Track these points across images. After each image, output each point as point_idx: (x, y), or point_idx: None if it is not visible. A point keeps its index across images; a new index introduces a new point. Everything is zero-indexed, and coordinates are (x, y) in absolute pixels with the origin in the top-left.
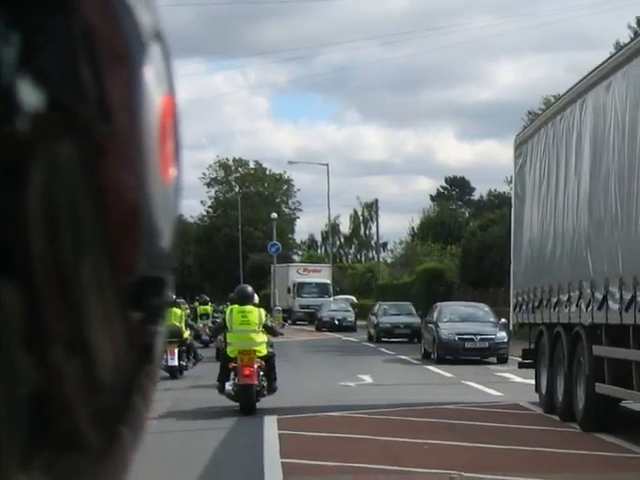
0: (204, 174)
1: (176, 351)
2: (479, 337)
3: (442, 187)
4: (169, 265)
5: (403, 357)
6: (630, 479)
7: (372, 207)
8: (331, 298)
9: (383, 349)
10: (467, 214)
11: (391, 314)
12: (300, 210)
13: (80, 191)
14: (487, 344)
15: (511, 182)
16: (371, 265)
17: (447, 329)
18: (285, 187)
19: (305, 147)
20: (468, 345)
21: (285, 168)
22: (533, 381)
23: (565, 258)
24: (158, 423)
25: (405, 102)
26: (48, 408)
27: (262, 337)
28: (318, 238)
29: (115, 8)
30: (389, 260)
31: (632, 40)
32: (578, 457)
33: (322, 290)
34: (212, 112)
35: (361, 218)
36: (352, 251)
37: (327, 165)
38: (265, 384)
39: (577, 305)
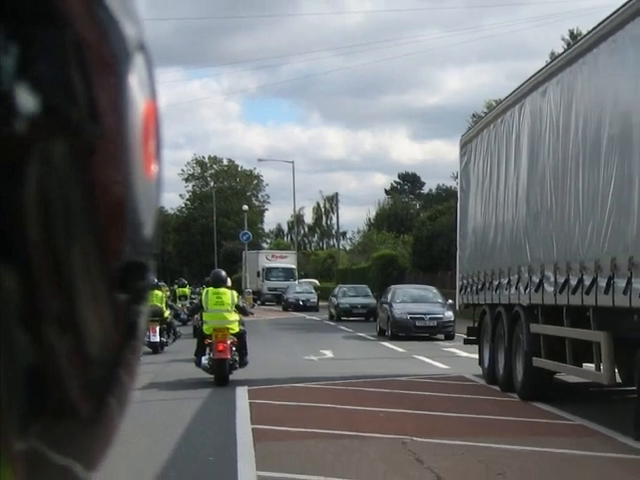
0: (182, 170)
1: (157, 329)
2: (428, 316)
3: (395, 182)
4: (151, 251)
5: (360, 334)
6: (562, 442)
7: (333, 200)
8: (296, 281)
9: (342, 327)
10: (418, 206)
11: (350, 296)
12: (268, 203)
13: (72, 185)
14: (436, 323)
15: (457, 177)
16: (332, 252)
17: (400, 309)
18: (255, 182)
19: (273, 146)
20: (419, 323)
21: (255, 165)
22: (477, 355)
23: (505, 246)
24: (141, 393)
25: (362, 106)
26: (43, 380)
27: (234, 316)
28: (284, 228)
29: (103, 22)
30: (348, 247)
31: (565, 50)
32: (517, 423)
33: (288, 274)
34: (189, 115)
35: (323, 210)
36: (315, 239)
37: (292, 162)
38: (237, 358)
39: (516, 287)
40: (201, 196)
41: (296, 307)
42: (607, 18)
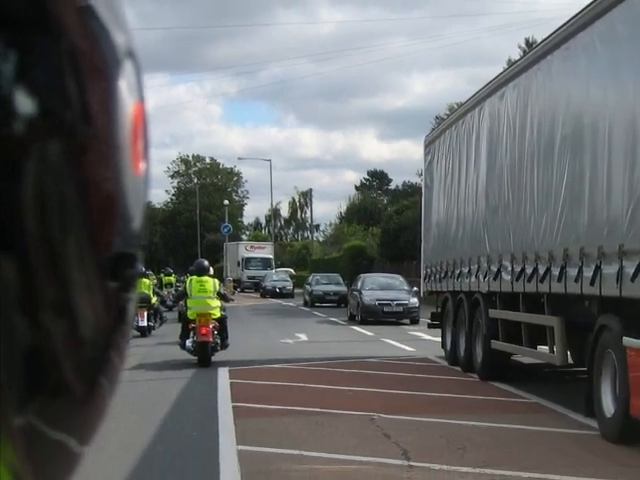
0: (168, 168)
1: (145, 314)
2: (395, 302)
3: (365, 179)
4: (139, 243)
5: (332, 319)
6: (518, 418)
7: (307, 195)
8: (273, 270)
9: (316, 312)
10: (385, 201)
11: (323, 283)
12: (247, 198)
13: (66, 182)
14: (402, 308)
15: (421, 175)
16: (306, 243)
17: (369, 296)
18: (235, 179)
19: (252, 146)
20: (386, 309)
21: (235, 163)
22: (440, 339)
23: (466, 237)
24: (130, 373)
25: (334, 109)
26: (39, 361)
27: (216, 302)
28: (262, 221)
29: (95, 31)
30: (321, 239)
31: (521, 57)
32: (476, 401)
33: (265, 264)
34: (175, 117)
35: (298, 204)
36: (290, 232)
37: (270, 161)
38: (219, 341)
39: (476, 276)
40: (185, 192)
41: (273, 294)
42: (560, 27)
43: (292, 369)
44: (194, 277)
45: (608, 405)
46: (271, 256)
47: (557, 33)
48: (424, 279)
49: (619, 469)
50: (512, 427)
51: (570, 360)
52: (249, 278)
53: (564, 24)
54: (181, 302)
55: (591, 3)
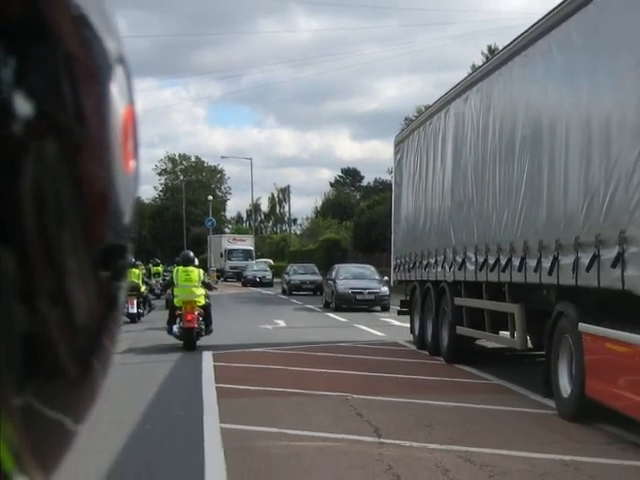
0: (156, 166)
1: (135, 301)
2: (367, 291)
3: (339, 176)
4: (130, 235)
5: (309, 306)
6: (481, 399)
7: (285, 191)
8: (254, 261)
9: (293, 300)
10: (358, 197)
11: (300, 273)
12: (230, 194)
13: (61, 179)
14: (373, 296)
15: (392, 172)
16: (284, 236)
17: (343, 285)
18: (219, 176)
19: (234, 145)
20: (359, 297)
21: (219, 161)
22: (408, 325)
23: (433, 230)
24: (121, 357)
25: (310, 111)
26: (37, 345)
27: (201, 291)
28: (244, 215)
29: (88, 39)
30: (298, 232)
31: (484, 63)
32: (443, 382)
33: (246, 255)
34: (162, 118)
35: (277, 200)
36: (270, 225)
37: (251, 159)
38: (203, 327)
39: (442, 266)
40: (172, 188)
41: (253, 283)
42: (520, 35)
43: (271, 353)
44: (180, 267)
45: (565, 386)
46: (252, 248)
47: (517, 41)
48: (394, 269)
49: (575, 445)
50: (476, 407)
51: (529, 344)
52: (231, 268)
53: (524, 32)
54: (168, 290)
55: (549, 13)
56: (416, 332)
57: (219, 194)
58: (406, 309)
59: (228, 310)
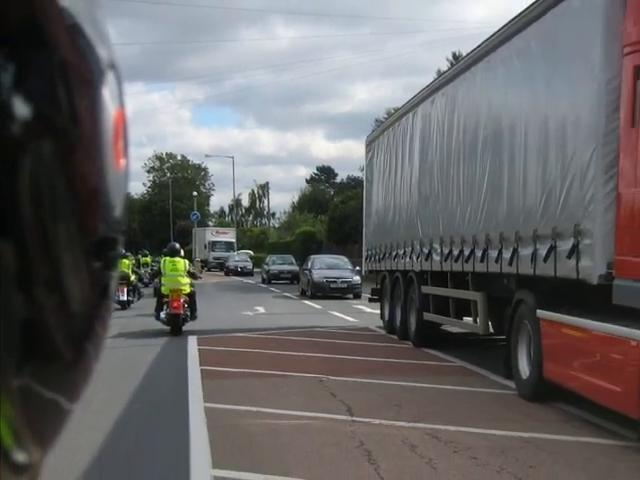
0: (145, 164)
1: (125, 290)
2: (340, 280)
3: (314, 173)
4: (120, 228)
5: (287, 294)
6: (446, 380)
7: (264, 187)
8: (235, 252)
9: (272, 288)
10: (332, 192)
11: (278, 263)
12: (213, 190)
13: (57, 176)
14: (346, 285)
15: (363, 170)
16: (264, 229)
17: (318, 274)
18: (203, 173)
19: (217, 145)
20: (333, 285)
21: (203, 160)
22: (379, 311)
23: (401, 224)
24: (112, 341)
25: (288, 113)
26: (34, 331)
27: (186, 280)
28: (226, 209)
29: (82, 46)
30: (277, 225)
31: (449, 69)
32: (410, 365)
33: (229, 246)
34: (150, 120)
35: (257, 195)
36: (250, 219)
37: (232, 158)
38: (188, 313)
39: (410, 257)
40: (160, 185)
41: (235, 272)
42: (482, 43)
43: (252, 337)
44: (167, 258)
45: (524, 368)
46: (233, 240)
47: (480, 48)
48: (365, 260)
49: (533, 424)
50: (441, 387)
51: (491, 329)
52: (215, 259)
53: (486, 40)
54: (156, 279)
55: (509, 22)
56: (386, 318)
57: (203, 190)
58: (376, 297)
59: (212, 298)
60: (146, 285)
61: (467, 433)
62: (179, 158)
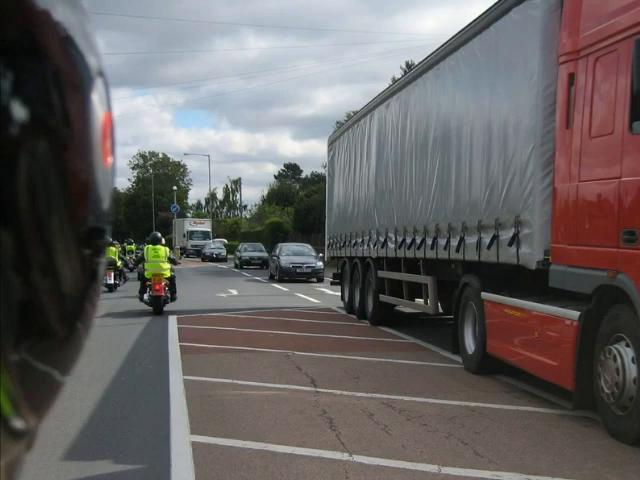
0: (130, 161)
1: (112, 274)
2: (305, 265)
3: (282, 170)
4: (108, 219)
5: (257, 278)
6: (401, 355)
7: (237, 182)
8: (211, 240)
9: (244, 273)
10: (298, 187)
11: (249, 251)
12: (191, 185)
13: (51, 172)
14: (310, 270)
15: (326, 167)
16: (236, 219)
17: (285, 260)
18: (182, 170)
19: (195, 144)
20: (298, 270)
21: (182, 158)
22: (339, 293)
23: (360, 215)
24: (100, 320)
25: (258, 115)
26: (31, 310)
27: (167, 265)
28: (203, 202)
29: (73, 55)
30: (248, 216)
31: (403, 76)
32: (368, 341)
33: (205, 235)
34: (135, 122)
35: (230, 189)
36: (224, 210)
37: (208, 156)
38: (169, 295)
39: (368, 245)
40: (143, 180)
41: (211, 259)
42: (433, 52)
43: (226, 317)
44: (150, 246)
45: (469, 345)
46: (209, 229)
47: (430, 57)
48: (327, 247)
49: (478, 394)
50: (396, 361)
51: (440, 310)
52: (192, 246)
53: (436, 50)
54: (140, 265)
55: (456, 34)
56: (346, 300)
57: (182, 185)
58: (337, 280)
59: (190, 281)
60: (131, 270)
61: (419, 402)
62: (160, 156)
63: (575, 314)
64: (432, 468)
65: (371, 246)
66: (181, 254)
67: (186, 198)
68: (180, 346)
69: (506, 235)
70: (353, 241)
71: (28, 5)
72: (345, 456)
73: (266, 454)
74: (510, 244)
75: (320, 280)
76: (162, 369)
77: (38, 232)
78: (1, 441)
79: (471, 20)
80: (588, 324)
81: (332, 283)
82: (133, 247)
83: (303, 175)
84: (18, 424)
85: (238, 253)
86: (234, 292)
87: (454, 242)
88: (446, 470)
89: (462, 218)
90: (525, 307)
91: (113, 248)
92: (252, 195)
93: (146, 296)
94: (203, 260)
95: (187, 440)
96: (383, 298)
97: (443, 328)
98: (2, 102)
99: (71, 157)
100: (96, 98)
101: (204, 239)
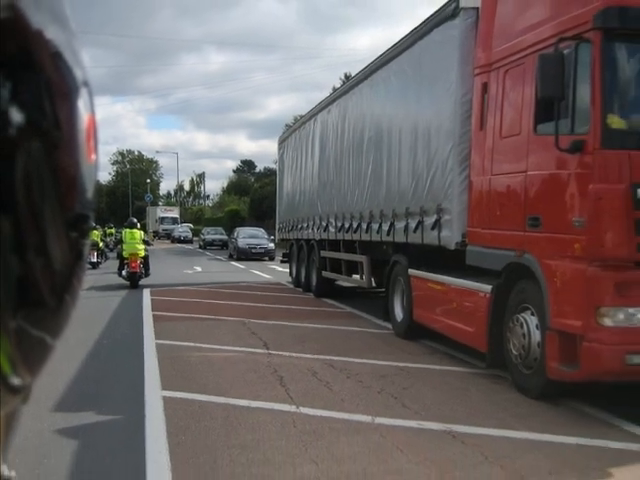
0: (110, 158)
1: (95, 253)
2: (259, 246)
3: (239, 165)
4: (92, 207)
5: (218, 257)
6: (340, 322)
7: (201, 176)
8: (179, 225)
9: (207, 253)
10: (253, 180)
11: (212, 234)
12: (162, 178)
13: (44, 167)
14: (263, 250)
15: (277, 162)
16: (201, 207)
17: (242, 242)
18: (154, 165)
19: (165, 143)
20: (253, 251)
21: (154, 155)
22: (288, 270)
23: (305, 204)
24: (85, 293)
25: (220, 119)
26: (26, 284)
27: (142, 246)
28: (172, 193)
29: (63, 68)
30: (210, 205)
31: (342, 85)
32: (313, 311)
33: (174, 221)
34: (114, 124)
35: (195, 182)
36: (190, 200)
37: (177, 153)
38: (144, 272)
39: (312, 229)
40: (121, 174)
41: (179, 241)
42: (367, 65)
43: (191, 290)
44: (127, 230)
45: (398, 313)
46: (178, 216)
47: (365, 69)
48: (278, 231)
49: (406, 355)
50: (336, 328)
51: (373, 284)
52: (163, 230)
53: (370, 63)
54: (119, 246)
55: (387, 50)
56: (293, 275)
57: (155, 178)
58: (286, 259)
59: (161, 259)
60: (111, 250)
61: (356, 363)
62: (136, 154)
63: (488, 287)
64: (367, 418)
65: (315, 230)
66: (154, 237)
67: (158, 189)
68: (153, 315)
69: (429, 220)
70: (300, 225)
71: (24, 26)
72: (293, 408)
73: (226, 406)
74: (433, 228)
75: (272, 259)
76: (137, 334)
77: (33, 219)
78: (1, 395)
79: (400, 38)
80: (499, 296)
81: (282, 261)
82: (113, 230)
83: (257, 170)
84: (16, 381)
85: (202, 236)
86: (199, 269)
87: (385, 226)
88: (379, 420)
89: (392, 206)
90: (445, 282)
91: (96, 231)
92: (214, 187)
93: (124, 272)
94: (172, 242)
95: (159, 395)
96: (325, 274)
97: (376, 299)
98: (2, 108)
99: (61, 155)
100: (82, 104)
101: (173, 224)
